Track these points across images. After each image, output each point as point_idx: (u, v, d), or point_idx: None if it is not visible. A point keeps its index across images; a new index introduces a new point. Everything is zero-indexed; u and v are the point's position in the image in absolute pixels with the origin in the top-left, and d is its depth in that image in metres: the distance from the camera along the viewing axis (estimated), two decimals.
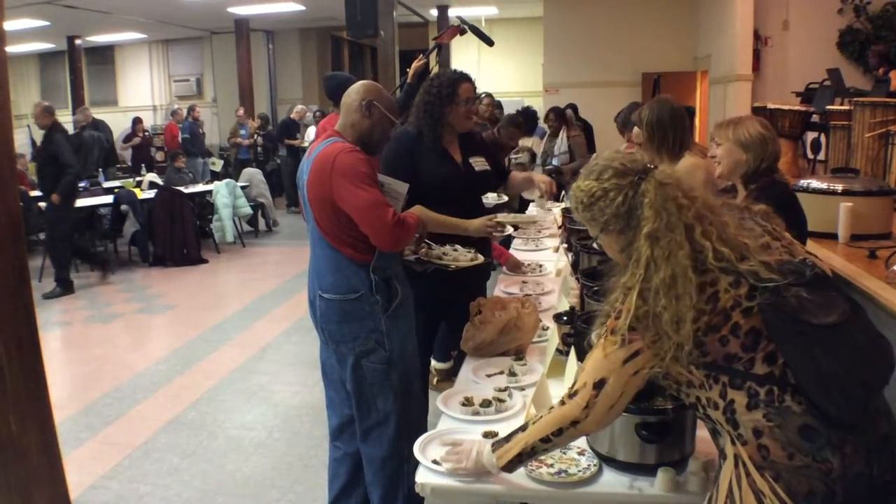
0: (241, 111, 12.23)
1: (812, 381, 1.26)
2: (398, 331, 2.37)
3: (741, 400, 1.31)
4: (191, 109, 12.23)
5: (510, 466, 1.58)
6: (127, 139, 12.33)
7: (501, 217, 3.05)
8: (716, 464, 1.62)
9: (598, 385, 1.42)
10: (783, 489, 1.27)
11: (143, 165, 11.35)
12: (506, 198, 4.63)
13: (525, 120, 7.46)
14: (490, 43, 4.67)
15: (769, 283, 1.31)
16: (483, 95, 7.15)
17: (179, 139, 11.80)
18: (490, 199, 3.85)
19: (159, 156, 12.34)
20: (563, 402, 1.49)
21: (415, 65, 4.26)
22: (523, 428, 1.57)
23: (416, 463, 2.30)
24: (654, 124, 2.90)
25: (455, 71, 2.98)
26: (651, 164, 1.47)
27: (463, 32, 4.40)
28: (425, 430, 2.35)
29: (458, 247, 2.76)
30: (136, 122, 12.47)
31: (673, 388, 1.44)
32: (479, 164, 3.06)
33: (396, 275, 2.41)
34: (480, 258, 2.74)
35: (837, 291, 1.35)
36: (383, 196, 2.29)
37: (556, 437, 1.49)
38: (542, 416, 1.53)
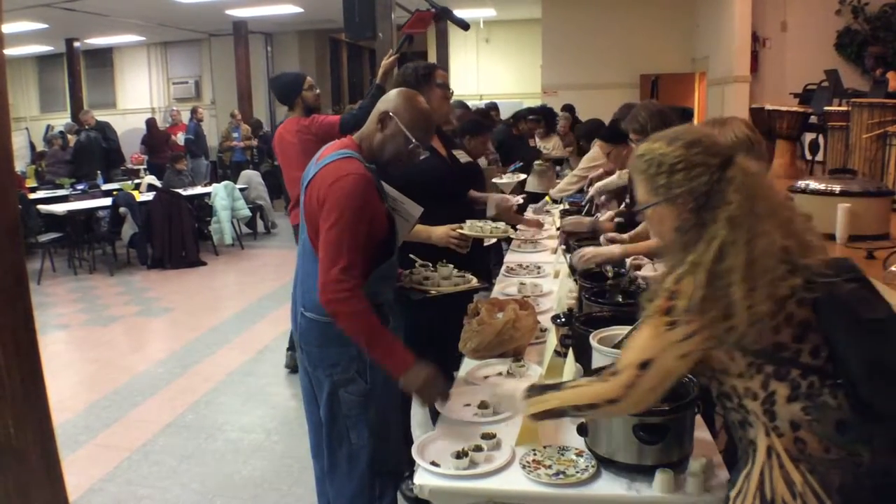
0: (238, 114, 12.22)
1: (858, 370, 1.28)
2: None
3: (783, 391, 1.32)
4: (194, 111, 12.21)
5: (537, 417, 1.56)
6: (160, 145, 11.73)
7: (468, 228, 2.64)
8: (714, 465, 1.63)
9: (644, 365, 1.36)
10: (817, 481, 1.29)
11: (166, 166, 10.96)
12: (522, 176, 4.47)
13: (546, 117, 7.50)
14: (465, 27, 4.30)
15: (825, 278, 1.32)
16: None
17: (180, 141, 11.78)
18: (504, 179, 3.68)
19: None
20: (604, 379, 1.43)
21: (384, 62, 3.95)
22: (558, 387, 1.52)
23: (389, 499, 2.23)
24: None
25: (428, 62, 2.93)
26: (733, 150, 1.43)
27: (437, 18, 4.03)
28: (401, 468, 2.25)
29: (449, 265, 2.45)
30: (153, 124, 12.18)
31: (706, 374, 1.42)
32: (462, 156, 3.01)
33: (388, 302, 2.20)
34: (473, 282, 2.42)
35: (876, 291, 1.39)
36: (352, 244, 1.96)
37: (590, 411, 1.46)
38: (579, 384, 1.50)
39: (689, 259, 1.35)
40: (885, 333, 1.30)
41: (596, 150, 4.41)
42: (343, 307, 1.95)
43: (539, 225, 4.12)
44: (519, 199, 3.28)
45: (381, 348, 2.00)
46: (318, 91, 4.34)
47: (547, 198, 5.23)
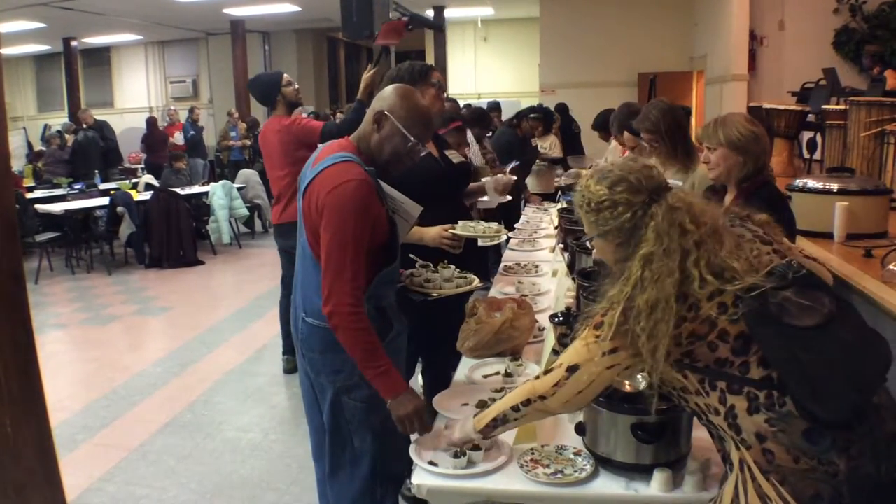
0: (235, 113, 12.21)
1: (797, 384, 1.26)
2: None
3: (741, 405, 1.31)
4: (191, 112, 12.19)
5: (486, 431, 1.66)
6: (155, 143, 11.79)
7: (461, 228, 2.62)
8: (712, 464, 1.63)
9: (571, 369, 1.47)
10: (789, 492, 1.26)
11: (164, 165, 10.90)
12: (509, 197, 4.50)
13: (545, 116, 7.46)
14: (440, 29, 4.28)
15: (756, 290, 1.31)
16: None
17: (180, 141, 11.76)
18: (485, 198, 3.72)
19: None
20: (537, 377, 1.57)
21: (364, 76, 3.85)
22: (501, 397, 1.67)
23: (391, 503, 2.22)
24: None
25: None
26: (666, 184, 1.48)
27: (409, 26, 3.90)
28: (403, 473, 2.20)
29: (451, 266, 2.42)
30: (153, 123, 12.15)
31: (673, 395, 1.45)
32: (454, 156, 3.00)
33: (391, 305, 2.16)
34: (475, 282, 2.40)
35: (824, 290, 1.36)
36: (355, 253, 1.92)
37: (525, 408, 1.57)
38: (517, 387, 1.64)
39: (609, 295, 1.42)
40: (815, 340, 1.28)
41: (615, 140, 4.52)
42: (345, 321, 1.90)
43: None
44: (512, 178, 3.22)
45: (374, 367, 1.93)
46: (297, 86, 4.35)
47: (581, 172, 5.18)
